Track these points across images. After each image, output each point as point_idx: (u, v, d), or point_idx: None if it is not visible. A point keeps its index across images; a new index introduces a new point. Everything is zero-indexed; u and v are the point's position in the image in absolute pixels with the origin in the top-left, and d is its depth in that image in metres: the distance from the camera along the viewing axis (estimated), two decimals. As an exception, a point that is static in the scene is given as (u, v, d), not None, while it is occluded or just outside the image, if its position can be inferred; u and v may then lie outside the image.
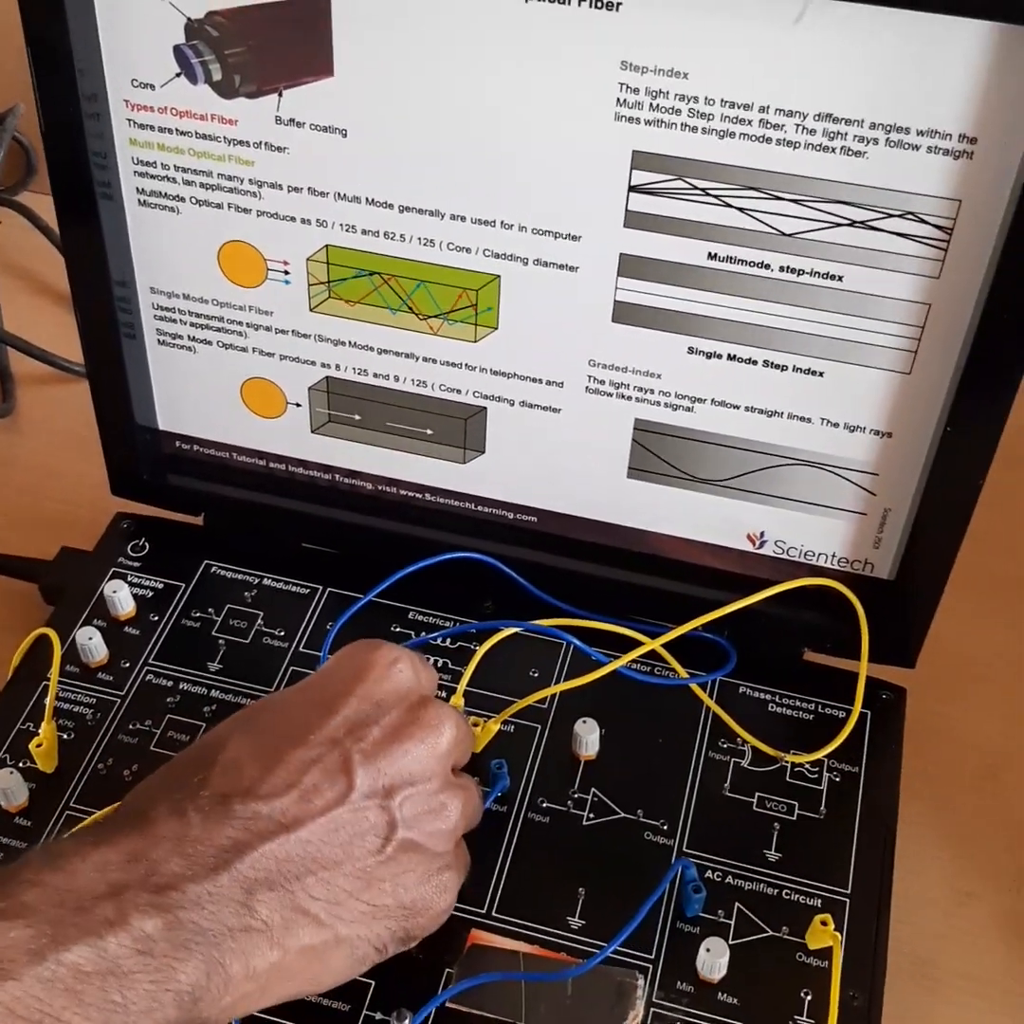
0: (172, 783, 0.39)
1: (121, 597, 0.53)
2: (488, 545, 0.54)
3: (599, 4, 0.40)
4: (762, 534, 0.51)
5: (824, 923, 0.43)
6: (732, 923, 0.45)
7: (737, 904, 0.45)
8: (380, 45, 0.43)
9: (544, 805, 0.48)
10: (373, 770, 0.40)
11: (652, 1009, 0.43)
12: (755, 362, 0.47)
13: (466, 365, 0.50)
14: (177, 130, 0.47)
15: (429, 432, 0.53)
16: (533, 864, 0.46)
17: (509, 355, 0.49)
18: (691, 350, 0.47)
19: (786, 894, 0.46)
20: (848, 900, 0.45)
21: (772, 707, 0.51)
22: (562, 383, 0.50)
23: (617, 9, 0.40)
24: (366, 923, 0.40)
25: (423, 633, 0.53)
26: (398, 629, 0.53)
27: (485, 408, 0.51)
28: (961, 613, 0.55)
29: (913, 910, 0.48)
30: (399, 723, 0.41)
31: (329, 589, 0.55)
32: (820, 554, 0.51)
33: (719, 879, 0.46)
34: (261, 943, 0.37)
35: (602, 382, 0.49)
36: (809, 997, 0.43)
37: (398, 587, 0.53)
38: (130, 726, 0.50)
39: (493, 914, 0.45)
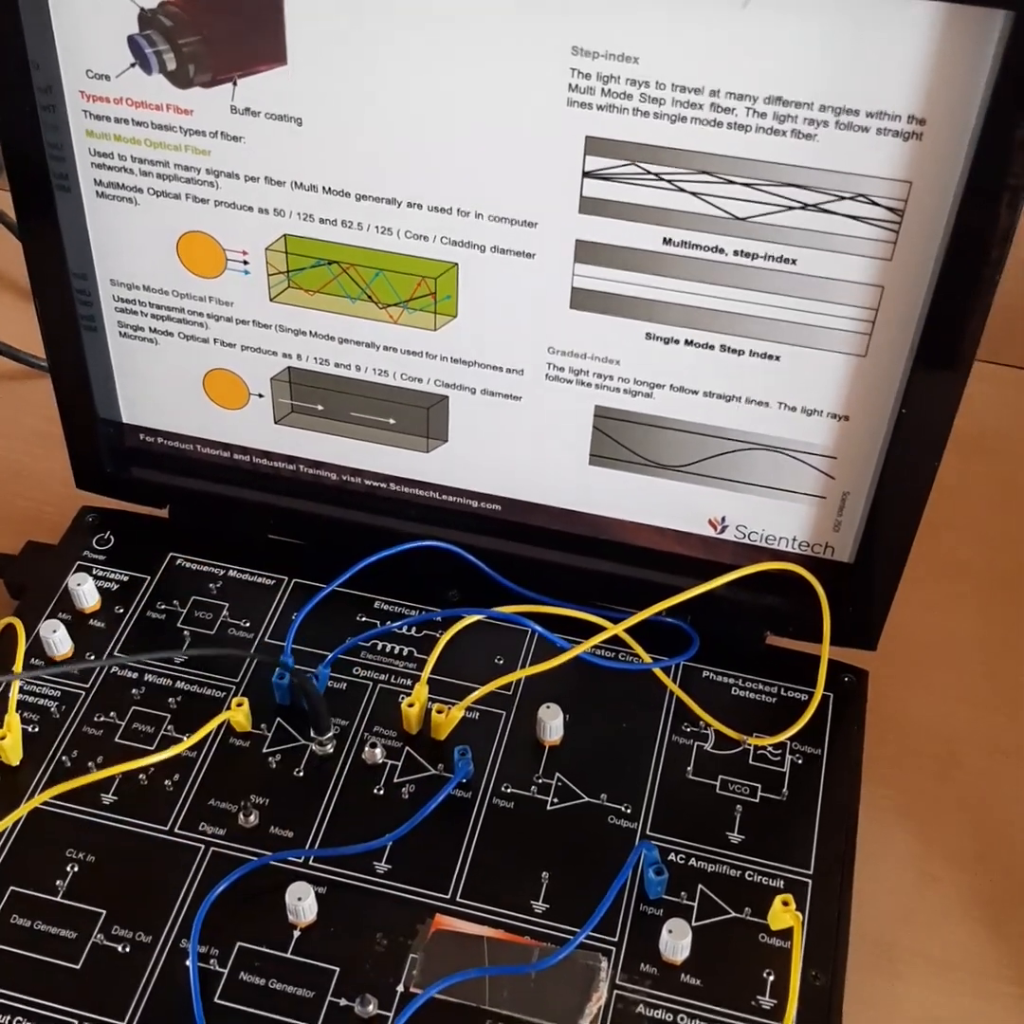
0: None
1: (85, 590, 0.53)
2: (453, 534, 0.54)
3: (549, -10, 0.41)
4: (723, 519, 0.51)
5: (785, 904, 0.44)
6: (695, 905, 0.45)
7: (700, 886, 0.45)
8: (332, 33, 0.43)
9: (508, 791, 0.48)
10: None
11: (615, 991, 0.43)
12: (712, 347, 0.47)
13: (426, 353, 0.50)
14: (133, 121, 0.47)
15: (392, 421, 0.53)
16: (497, 849, 0.46)
17: (469, 343, 0.50)
18: (649, 336, 0.47)
19: (749, 875, 0.46)
20: (810, 881, 0.46)
21: (735, 691, 0.51)
22: (522, 371, 0.50)
23: (567, -6, 0.40)
24: None
25: (388, 622, 0.53)
26: (363, 618, 0.53)
27: (447, 397, 0.51)
28: (923, 598, 0.56)
29: (876, 893, 0.48)
30: None
31: (295, 580, 0.55)
32: (781, 538, 0.51)
33: (682, 861, 0.46)
34: None
35: (561, 369, 0.49)
36: (771, 977, 0.43)
37: (363, 577, 0.53)
38: (95, 718, 0.50)
39: (457, 899, 0.45)
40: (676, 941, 0.43)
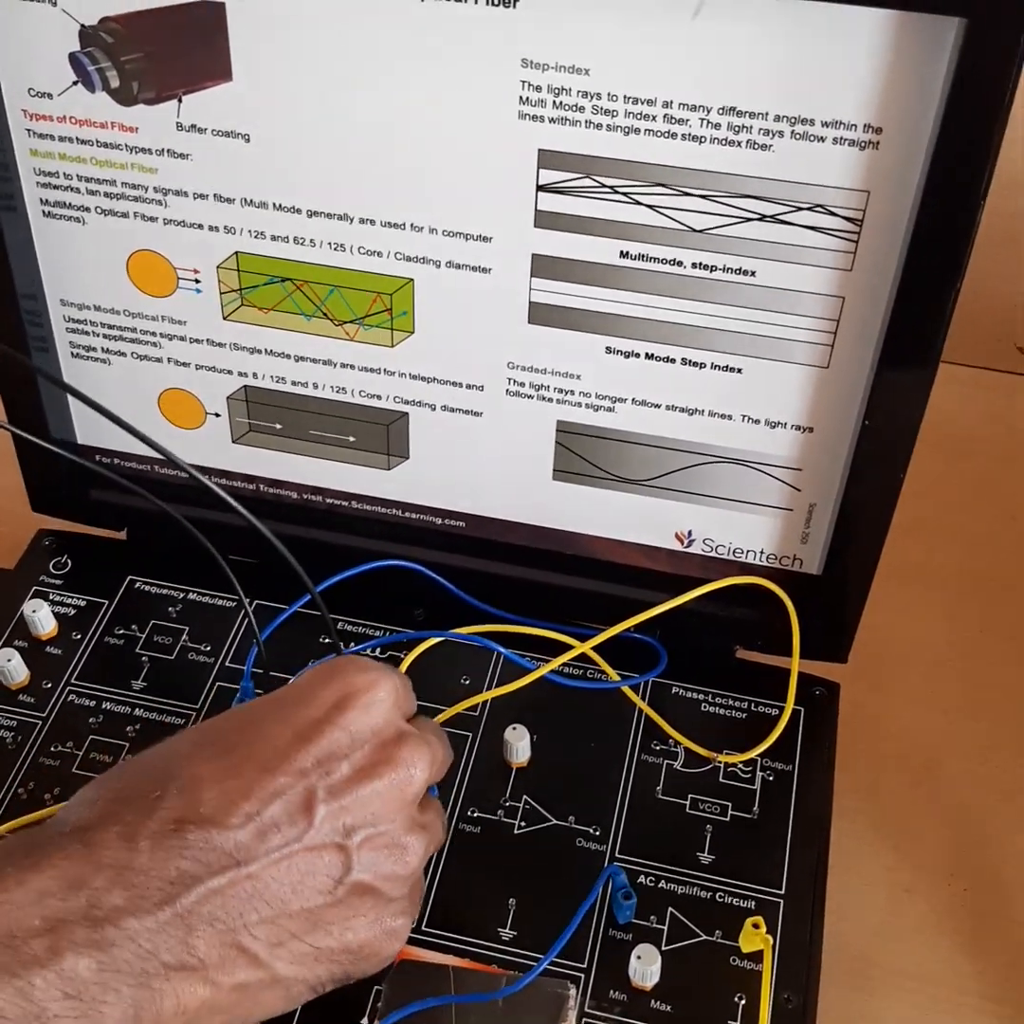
0: (125, 794, 0.37)
1: (41, 616, 0.52)
2: (417, 551, 0.53)
3: (496, 1, 0.40)
4: (690, 533, 0.51)
5: (756, 926, 0.43)
6: (665, 928, 0.44)
7: (670, 909, 0.45)
8: (278, 48, 0.42)
9: (475, 815, 0.47)
10: (336, 807, 0.38)
11: (584, 1019, 0.42)
12: (673, 360, 0.46)
13: (385, 370, 0.49)
14: (78, 139, 0.46)
15: (352, 439, 0.52)
16: (463, 876, 0.46)
17: (427, 359, 0.49)
18: (609, 350, 0.46)
19: (719, 897, 0.45)
20: (782, 901, 0.45)
21: (705, 707, 0.51)
22: (482, 386, 0.49)
23: (514, 6, 0.40)
24: (308, 965, 0.38)
25: (352, 643, 0.52)
26: (327, 640, 0.53)
27: (407, 413, 0.51)
28: (894, 606, 0.55)
29: (850, 907, 0.47)
30: (370, 761, 0.39)
31: (256, 601, 0.54)
32: (749, 551, 0.50)
33: (652, 884, 0.45)
34: (194, 980, 0.35)
35: (522, 384, 0.48)
36: (743, 1001, 0.43)
37: (326, 597, 0.52)
38: (52, 748, 0.49)
39: (423, 928, 0.44)
40: (645, 967, 0.42)
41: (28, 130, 0.46)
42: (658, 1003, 0.42)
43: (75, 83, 0.45)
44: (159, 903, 0.35)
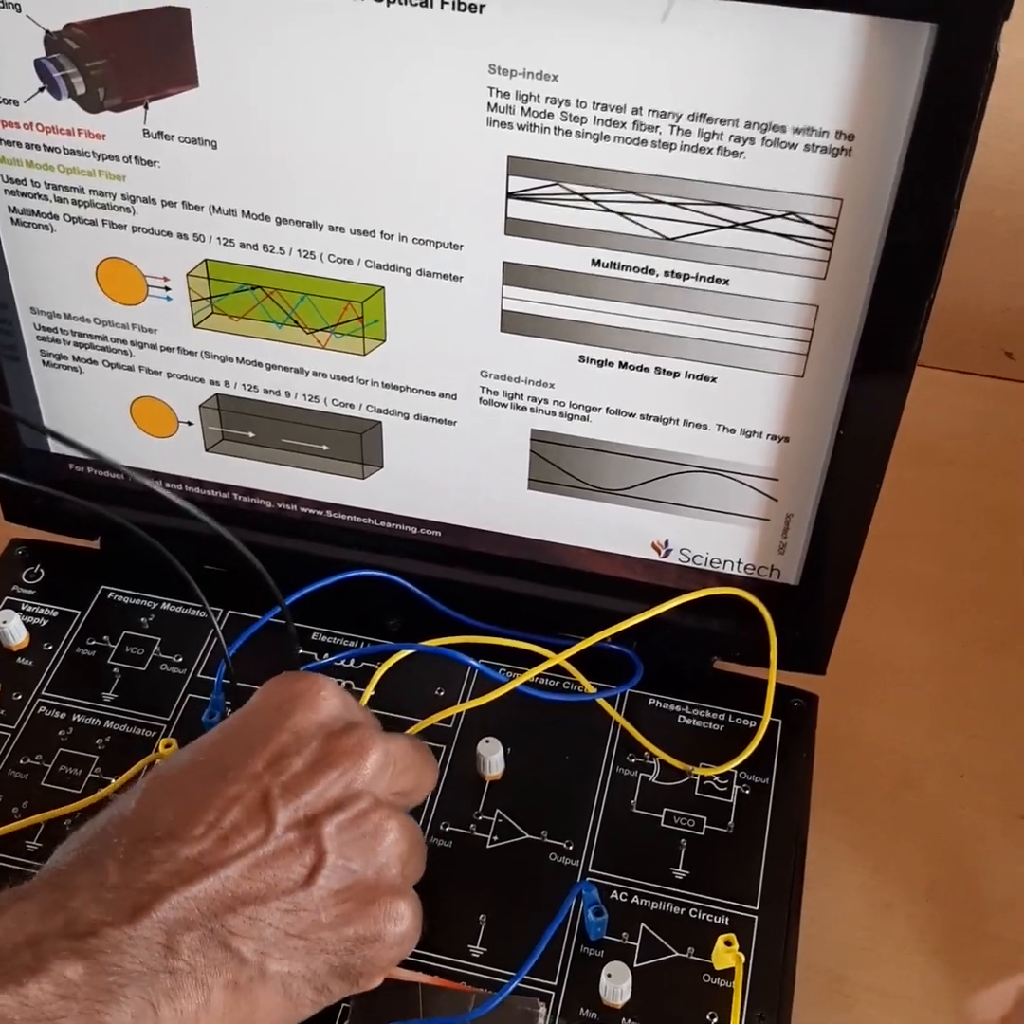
0: (88, 836, 0.38)
1: (12, 627, 0.51)
2: (392, 561, 0.52)
3: (462, 6, 0.39)
4: (667, 543, 0.50)
5: (728, 943, 0.42)
6: (637, 945, 0.44)
7: (643, 925, 0.44)
8: (243, 53, 0.42)
9: (447, 829, 0.47)
10: (294, 802, 0.38)
11: (555, 1038, 0.42)
12: (647, 369, 0.45)
13: (357, 379, 0.49)
14: (45, 146, 0.46)
15: (325, 448, 0.51)
16: (434, 891, 0.45)
17: (400, 367, 0.48)
18: (582, 358, 0.46)
19: (693, 913, 0.45)
20: (756, 917, 0.44)
21: (681, 719, 0.50)
22: (455, 395, 0.48)
23: (481, 11, 0.39)
24: (300, 959, 0.38)
25: (326, 655, 0.52)
26: (301, 651, 0.52)
27: (380, 422, 0.50)
28: (873, 616, 0.55)
29: (827, 923, 0.47)
30: (321, 753, 0.40)
31: (229, 611, 0.53)
32: (726, 561, 0.50)
33: (625, 900, 0.45)
34: (187, 984, 0.36)
35: (495, 393, 0.48)
36: (715, 1019, 0.42)
37: (300, 607, 0.51)
38: (21, 761, 0.48)
39: (392, 944, 0.44)
40: (616, 985, 0.42)
41: (-6, 137, 0.46)
42: (629, 1021, 0.42)
43: (41, 90, 0.44)
44: (134, 913, 0.35)
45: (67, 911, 0.35)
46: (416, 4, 0.39)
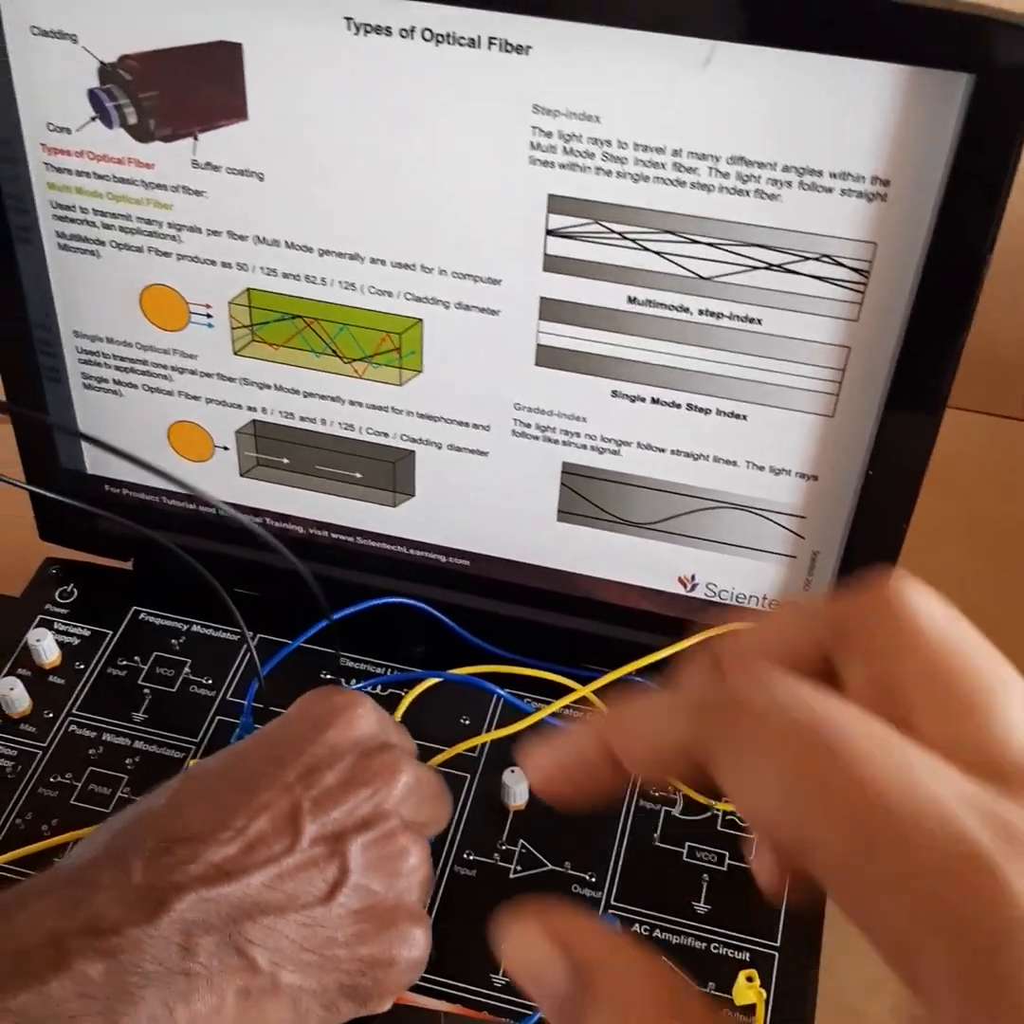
0: (113, 832, 0.38)
1: (45, 645, 0.52)
2: (420, 589, 0.53)
3: (509, 48, 0.40)
4: (693, 577, 0.51)
5: (749, 979, 0.42)
6: (658, 978, 0.44)
7: (664, 959, 0.44)
8: (293, 89, 0.43)
9: (471, 858, 0.47)
10: (323, 817, 0.39)
11: (574, 1068, 0.42)
12: (679, 405, 0.46)
13: (392, 408, 0.50)
14: (95, 174, 0.47)
15: (358, 475, 0.52)
16: (457, 920, 0.45)
17: (435, 398, 0.49)
18: (615, 393, 0.47)
19: (714, 948, 0.45)
20: (777, 953, 0.45)
21: (705, 753, 0.50)
22: (489, 426, 0.49)
23: (527, 53, 0.40)
24: (313, 974, 0.38)
25: (354, 681, 0.52)
26: (328, 676, 0.53)
27: (413, 451, 0.51)
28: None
29: (847, 959, 0.47)
30: (354, 770, 0.40)
31: (259, 635, 0.54)
32: (751, 597, 0.50)
33: (647, 933, 0.45)
34: (201, 987, 0.36)
35: (528, 425, 0.48)
36: (735, 1055, 0.42)
37: (328, 632, 0.52)
38: (51, 779, 0.49)
39: (414, 971, 0.44)
40: (637, 1017, 0.42)
41: (46, 164, 0.47)
42: (649, 1054, 0.42)
43: (93, 119, 0.45)
44: (155, 911, 0.36)
45: (90, 908, 0.35)
46: (464, 44, 0.40)
